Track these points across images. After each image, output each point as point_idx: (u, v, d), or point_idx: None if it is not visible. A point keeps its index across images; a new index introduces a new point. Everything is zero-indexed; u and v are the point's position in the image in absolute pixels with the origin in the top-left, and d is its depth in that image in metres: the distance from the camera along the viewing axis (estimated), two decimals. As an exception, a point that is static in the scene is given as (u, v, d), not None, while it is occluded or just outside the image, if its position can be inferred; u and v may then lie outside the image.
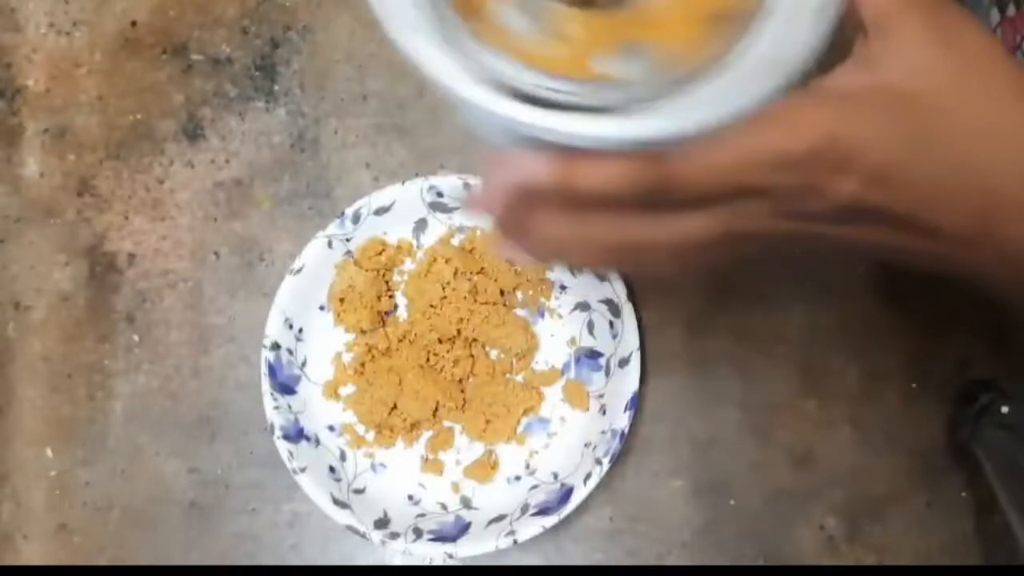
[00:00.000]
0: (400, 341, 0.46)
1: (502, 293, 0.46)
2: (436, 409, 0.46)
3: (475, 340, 0.46)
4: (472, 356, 0.46)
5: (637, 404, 0.44)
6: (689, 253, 0.28)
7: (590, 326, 0.46)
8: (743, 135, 0.24)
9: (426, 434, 0.46)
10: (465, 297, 0.45)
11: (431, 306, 0.46)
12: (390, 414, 0.45)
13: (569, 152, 0.25)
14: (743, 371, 0.47)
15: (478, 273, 0.46)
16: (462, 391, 0.46)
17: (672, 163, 0.25)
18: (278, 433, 0.44)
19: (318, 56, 0.49)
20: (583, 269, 0.32)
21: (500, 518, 0.44)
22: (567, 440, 0.46)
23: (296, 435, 0.45)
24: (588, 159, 0.25)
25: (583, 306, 0.46)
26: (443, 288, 0.46)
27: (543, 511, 0.43)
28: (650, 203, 0.26)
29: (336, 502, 0.43)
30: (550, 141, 0.24)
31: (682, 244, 0.27)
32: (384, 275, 0.47)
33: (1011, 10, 0.42)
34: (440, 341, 0.46)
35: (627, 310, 0.44)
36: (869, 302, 0.47)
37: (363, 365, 0.46)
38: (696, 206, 0.26)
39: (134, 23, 0.50)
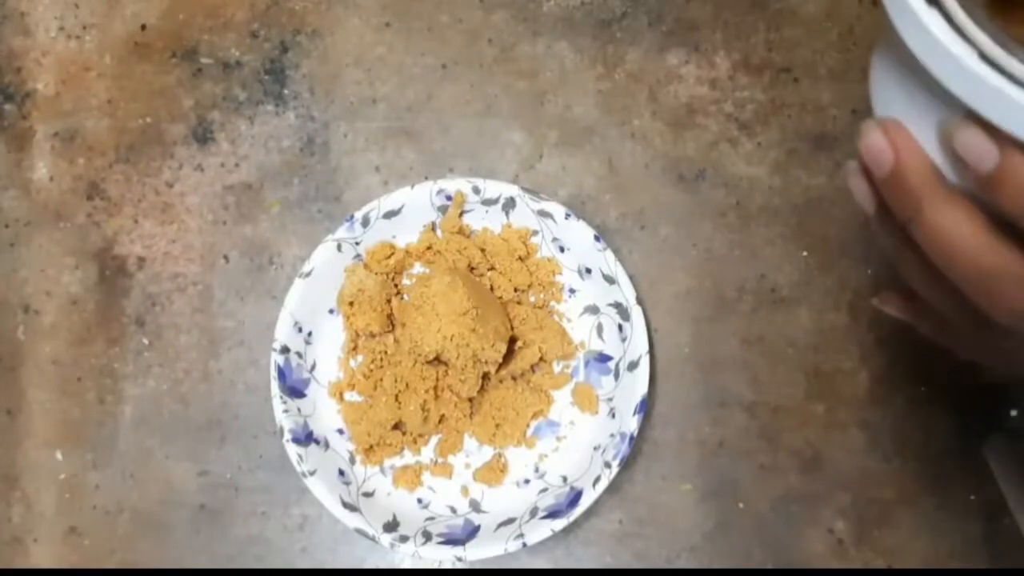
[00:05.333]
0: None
1: (516, 290, 0.46)
2: (442, 419, 0.46)
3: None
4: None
5: (646, 407, 0.44)
6: None
7: (599, 329, 0.46)
8: None
9: (435, 438, 0.46)
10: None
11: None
12: (392, 429, 0.46)
13: None
14: (751, 375, 0.47)
15: (490, 269, 0.47)
16: (469, 400, 0.46)
17: None
18: (287, 436, 0.44)
19: (327, 60, 0.49)
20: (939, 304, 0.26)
21: (509, 521, 0.44)
22: (576, 443, 0.46)
23: (305, 438, 0.45)
24: None
25: (592, 309, 0.46)
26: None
27: (552, 514, 0.43)
28: None
29: (345, 505, 0.44)
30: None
31: None
32: (394, 278, 0.47)
33: None
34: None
35: (636, 314, 0.44)
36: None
37: (371, 370, 0.46)
38: None
39: (143, 27, 0.50)
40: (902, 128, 0.24)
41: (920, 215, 0.23)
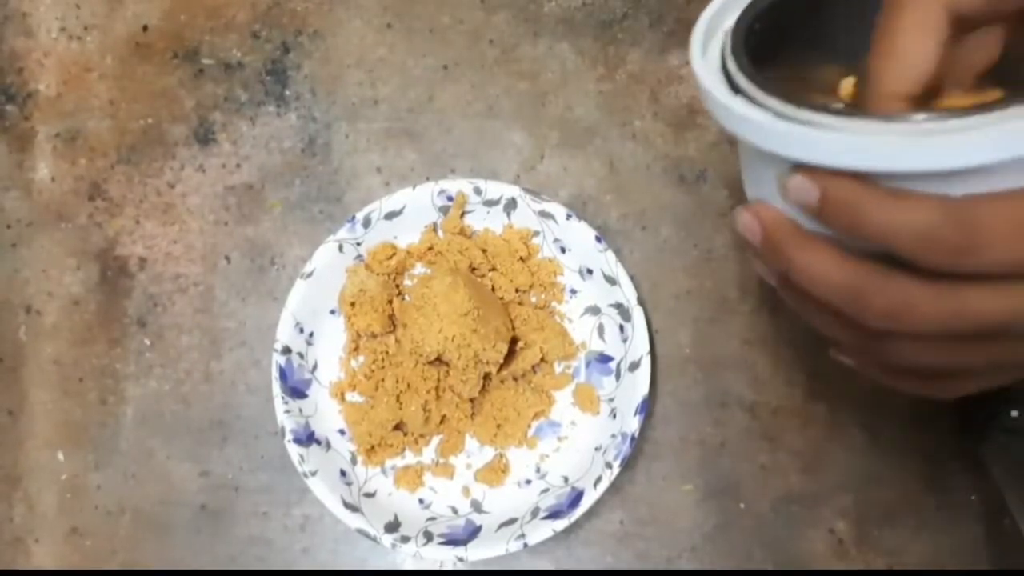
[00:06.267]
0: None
1: (517, 291, 0.47)
2: (443, 419, 0.46)
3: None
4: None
5: (647, 408, 0.44)
6: (957, 346, 0.26)
7: (600, 330, 0.46)
8: None
9: (436, 438, 0.46)
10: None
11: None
12: (394, 429, 0.46)
13: (858, 183, 0.25)
14: (752, 375, 0.47)
15: (492, 270, 0.47)
16: (471, 400, 0.46)
17: (980, 217, 0.23)
18: (289, 437, 0.44)
19: (329, 61, 0.49)
20: (834, 337, 0.30)
21: (511, 522, 0.44)
22: (577, 444, 0.46)
23: (307, 439, 0.45)
24: (884, 194, 0.24)
25: (593, 310, 0.47)
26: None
27: (553, 515, 0.43)
28: (937, 268, 0.24)
29: (347, 506, 0.44)
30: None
31: (954, 325, 0.25)
32: (395, 279, 0.47)
33: None
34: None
35: (637, 314, 0.44)
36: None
37: (373, 370, 0.46)
38: (986, 279, 0.24)
39: (145, 28, 0.50)
40: (762, 203, 0.29)
41: (792, 263, 0.27)
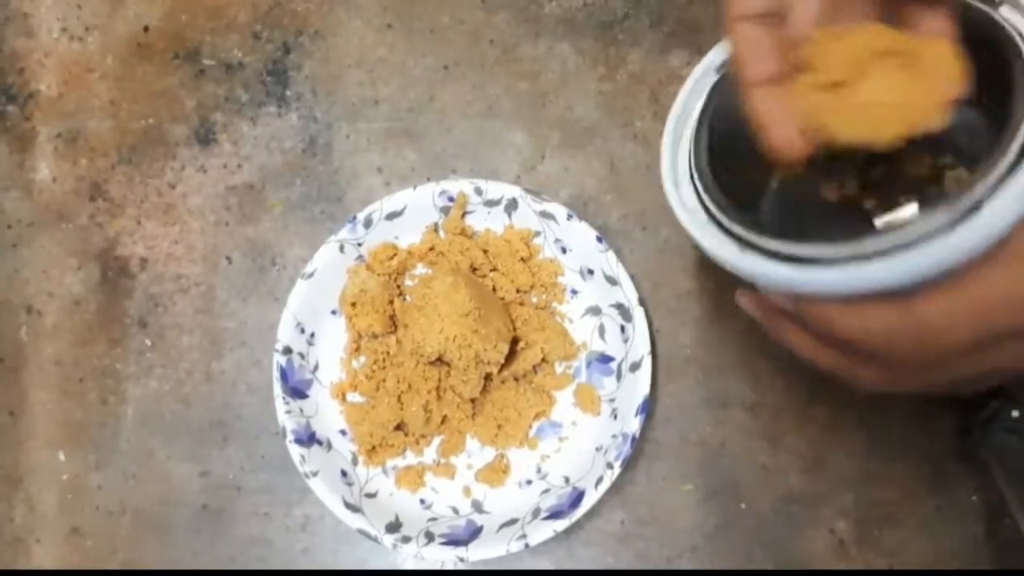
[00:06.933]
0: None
1: (518, 291, 0.47)
2: (444, 419, 0.46)
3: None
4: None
5: (648, 408, 0.44)
6: (946, 386, 0.30)
7: (601, 330, 0.46)
8: (994, 276, 0.26)
9: (437, 439, 0.46)
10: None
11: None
12: (395, 430, 0.46)
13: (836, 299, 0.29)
14: (753, 376, 0.47)
15: (493, 270, 0.47)
16: (471, 401, 0.46)
17: (929, 316, 0.26)
18: (290, 437, 0.44)
19: (329, 61, 0.49)
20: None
21: (511, 522, 0.44)
22: (578, 444, 0.46)
23: (308, 439, 0.45)
24: (850, 309, 0.28)
25: (594, 310, 0.47)
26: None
27: (554, 515, 0.43)
28: (904, 362, 0.28)
29: (348, 506, 0.44)
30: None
31: (934, 387, 0.30)
32: (396, 279, 0.47)
33: None
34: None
35: (638, 315, 0.44)
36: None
37: (374, 371, 0.46)
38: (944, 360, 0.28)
39: (146, 28, 0.50)
40: (754, 293, 0.35)
41: (786, 341, 0.34)
